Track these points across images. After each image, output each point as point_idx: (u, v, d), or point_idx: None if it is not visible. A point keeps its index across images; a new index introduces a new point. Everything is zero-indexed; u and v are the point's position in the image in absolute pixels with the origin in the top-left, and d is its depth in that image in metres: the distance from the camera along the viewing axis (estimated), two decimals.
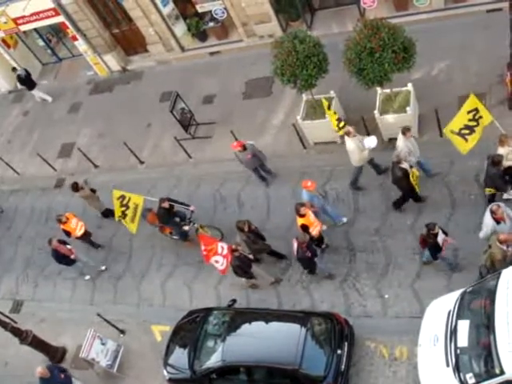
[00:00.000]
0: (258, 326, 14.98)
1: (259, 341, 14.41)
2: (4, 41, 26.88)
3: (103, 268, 19.39)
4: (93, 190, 19.73)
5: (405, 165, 15.09)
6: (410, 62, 16.00)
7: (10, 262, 21.47)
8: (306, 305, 15.96)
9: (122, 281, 19.04)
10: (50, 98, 26.76)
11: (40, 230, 21.82)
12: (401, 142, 15.58)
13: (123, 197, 17.43)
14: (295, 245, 14.86)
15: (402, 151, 15.33)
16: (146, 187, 20.87)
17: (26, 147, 25.37)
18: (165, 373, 15.61)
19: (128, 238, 19.83)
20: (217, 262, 15.48)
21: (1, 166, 24.31)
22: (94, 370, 16.73)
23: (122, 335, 17.64)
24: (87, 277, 19.40)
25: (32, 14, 24.18)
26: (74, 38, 25.24)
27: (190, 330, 15.69)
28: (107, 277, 19.33)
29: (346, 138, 16.24)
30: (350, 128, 16.14)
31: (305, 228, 15.28)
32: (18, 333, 17.24)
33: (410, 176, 15.17)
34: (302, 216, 15.24)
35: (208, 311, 15.85)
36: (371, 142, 16.07)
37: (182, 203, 17.75)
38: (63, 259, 18.19)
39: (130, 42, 25.68)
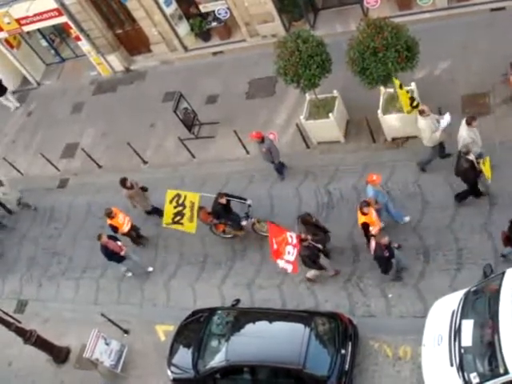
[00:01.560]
0: (261, 326, 14.98)
1: (263, 341, 14.41)
2: (7, 41, 26.90)
3: (150, 269, 18.76)
4: (143, 189, 18.99)
5: (471, 156, 14.48)
6: (414, 61, 15.99)
7: (13, 262, 21.49)
8: (309, 304, 15.95)
9: (126, 281, 19.04)
10: (13, 106, 27.39)
11: (44, 230, 21.87)
12: (464, 131, 14.94)
13: (178, 196, 16.93)
14: (373, 243, 14.37)
15: (465, 141, 14.78)
16: (150, 187, 20.87)
17: (29, 147, 25.41)
18: (169, 373, 15.62)
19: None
20: (288, 252, 14.87)
21: (5, 166, 24.33)
22: (98, 370, 16.75)
23: (125, 335, 17.65)
24: (129, 273, 18.84)
25: (35, 15, 24.24)
26: (78, 39, 25.27)
27: (194, 330, 15.70)
28: (111, 277, 19.33)
29: (419, 117, 15.60)
30: (424, 107, 15.58)
31: (366, 227, 14.80)
32: (22, 333, 17.26)
33: (481, 165, 14.48)
34: (365, 214, 14.66)
35: (212, 311, 15.86)
36: (446, 121, 15.51)
37: (238, 197, 17.33)
38: (112, 256, 17.54)
39: (133, 42, 25.70)
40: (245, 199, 17.27)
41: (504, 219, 13.91)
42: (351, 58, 15.94)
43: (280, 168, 18.60)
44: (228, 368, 14.51)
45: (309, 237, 14.87)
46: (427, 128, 15.60)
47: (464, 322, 12.62)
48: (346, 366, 13.89)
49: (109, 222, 18.11)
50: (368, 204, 14.65)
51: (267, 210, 18.25)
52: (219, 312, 15.75)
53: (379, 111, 17.29)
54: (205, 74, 23.39)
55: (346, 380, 13.86)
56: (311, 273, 15.98)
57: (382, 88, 17.21)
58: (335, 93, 18.34)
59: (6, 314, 18.57)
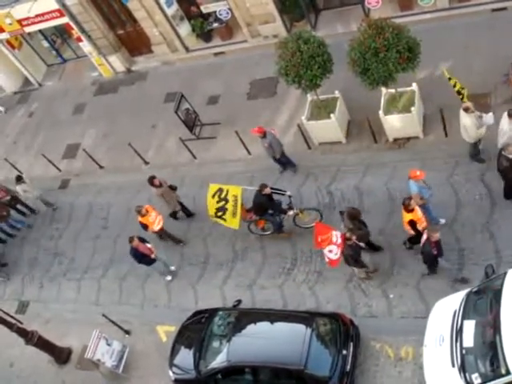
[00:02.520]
0: (263, 327, 14.98)
1: (265, 341, 14.40)
2: (9, 42, 26.92)
3: (173, 268, 18.38)
4: (172, 188, 18.44)
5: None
6: (415, 61, 15.98)
7: (15, 263, 21.49)
8: (311, 305, 15.95)
9: (127, 281, 19.05)
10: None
11: (45, 230, 21.87)
12: (506, 125, 14.63)
13: (221, 190, 16.63)
14: (425, 236, 13.79)
15: (506, 135, 14.51)
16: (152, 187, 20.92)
17: (30, 148, 25.42)
18: (170, 373, 15.62)
19: None
20: (330, 251, 14.75)
21: (6, 166, 24.35)
22: (100, 371, 16.75)
23: (127, 336, 17.65)
24: (169, 277, 18.29)
25: (37, 16, 24.25)
26: (79, 39, 25.29)
27: (196, 331, 15.69)
28: (112, 277, 19.34)
29: (462, 113, 15.29)
30: (468, 104, 15.35)
31: (413, 224, 14.35)
32: (23, 333, 17.27)
33: None
34: (411, 211, 14.15)
35: (213, 312, 15.86)
36: (490, 119, 15.29)
37: (277, 189, 16.93)
38: (143, 258, 17.15)
39: (134, 42, 25.72)
40: (284, 191, 16.88)
41: (505, 219, 13.90)
42: (352, 59, 15.93)
43: (286, 161, 18.60)
44: (229, 368, 14.50)
45: (353, 237, 14.52)
46: (472, 125, 15.25)
47: (465, 322, 12.62)
48: (348, 367, 13.88)
49: (139, 219, 17.64)
50: (410, 198, 14.15)
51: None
52: (220, 313, 15.74)
53: (381, 112, 17.29)
54: (206, 75, 23.40)
55: (348, 381, 13.85)
56: (358, 271, 15.60)
57: (383, 88, 17.21)
58: (337, 93, 18.34)
59: (8, 314, 18.56)
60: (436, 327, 13.31)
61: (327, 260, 15.11)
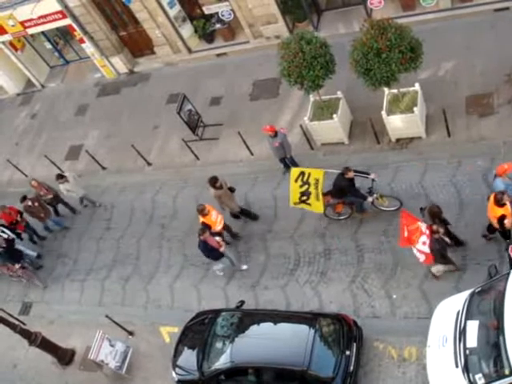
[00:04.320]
0: (266, 328, 14.97)
1: (268, 342, 14.39)
2: (12, 44, 26.99)
3: (245, 267, 17.62)
4: (231, 189, 17.72)
5: None
6: (417, 62, 15.97)
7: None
8: (314, 306, 15.95)
9: (130, 282, 19.06)
10: None
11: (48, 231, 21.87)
12: None
13: (303, 173, 16.02)
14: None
15: None
16: (154, 189, 20.95)
17: (33, 149, 25.47)
18: (173, 374, 15.63)
19: (136, 239, 19.91)
20: (424, 243, 13.87)
21: (9, 168, 24.38)
22: (103, 372, 16.76)
23: (130, 337, 17.66)
24: (221, 273, 17.57)
25: (39, 17, 24.30)
26: (82, 41, 25.32)
27: (199, 332, 15.70)
28: (115, 278, 19.36)
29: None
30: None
31: (502, 219, 13.58)
32: (27, 335, 17.28)
33: None
34: (502, 206, 13.42)
35: (216, 312, 15.86)
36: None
37: (361, 172, 16.19)
38: (211, 252, 16.51)
39: (136, 44, 25.74)
40: (368, 173, 16.16)
41: None
42: (355, 59, 15.92)
43: (293, 162, 18.59)
44: (233, 369, 14.51)
45: (441, 229, 13.82)
46: None
47: (469, 322, 12.60)
48: (351, 368, 13.87)
49: (201, 219, 16.80)
50: (503, 192, 13.49)
51: (271, 212, 18.24)
52: (224, 313, 15.73)
53: (383, 112, 17.28)
54: (208, 76, 23.42)
55: (351, 381, 13.84)
56: (437, 268, 14.80)
57: (385, 89, 17.20)
58: (339, 94, 18.34)
59: (11, 315, 18.59)
60: (439, 328, 13.29)
61: (421, 257, 14.14)
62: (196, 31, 24.39)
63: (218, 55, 24.28)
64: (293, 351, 13.93)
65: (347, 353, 13.92)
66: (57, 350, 17.85)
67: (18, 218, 20.49)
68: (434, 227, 13.71)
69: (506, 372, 11.59)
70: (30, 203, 20.28)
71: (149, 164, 21.89)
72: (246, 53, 23.42)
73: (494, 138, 16.51)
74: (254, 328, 15.01)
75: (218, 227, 16.96)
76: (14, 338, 17.60)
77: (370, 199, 16.15)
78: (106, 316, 17.28)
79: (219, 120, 21.53)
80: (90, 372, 17.27)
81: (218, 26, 23.78)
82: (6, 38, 26.19)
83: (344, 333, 14.15)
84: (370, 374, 14.34)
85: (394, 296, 15.29)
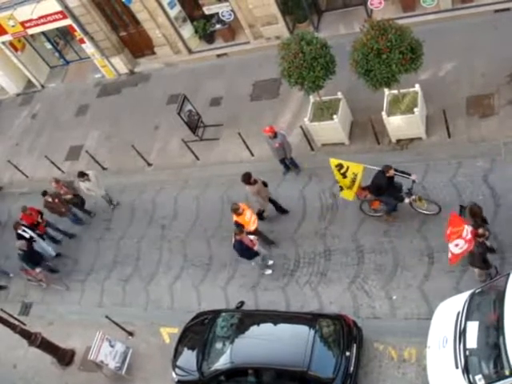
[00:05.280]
0: (266, 328, 14.96)
1: (268, 343, 14.37)
2: (12, 44, 27.03)
3: (271, 262, 17.24)
4: (265, 184, 17.37)
5: None
6: (418, 62, 15.96)
7: (18, 265, 21.47)
8: (314, 306, 15.94)
9: (130, 283, 19.06)
10: None
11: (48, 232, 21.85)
12: None
13: (340, 166, 15.74)
14: None
15: None
16: (155, 190, 20.95)
17: (34, 150, 25.50)
18: (173, 375, 15.63)
19: (136, 240, 19.90)
20: (456, 245, 13.61)
21: (9, 168, 24.38)
22: (103, 372, 16.76)
23: (130, 337, 17.66)
24: (269, 271, 17.17)
25: (40, 18, 24.32)
26: (82, 41, 25.34)
27: (199, 332, 15.69)
28: (116, 279, 19.35)
29: None
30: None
31: None
32: (26, 335, 17.29)
33: None
34: None
35: (216, 313, 15.85)
36: None
37: (402, 171, 15.76)
38: (246, 252, 16.16)
39: (137, 44, 25.76)
40: (409, 174, 15.73)
41: (508, 220, 13.85)
42: (355, 60, 15.91)
43: (293, 163, 18.58)
44: (232, 370, 14.51)
45: (487, 232, 13.52)
46: None
47: (469, 323, 12.59)
48: (351, 368, 13.85)
49: (235, 218, 16.44)
50: None
51: (272, 212, 18.21)
52: (223, 314, 15.72)
53: (383, 113, 17.27)
54: (209, 76, 23.43)
55: (351, 382, 13.83)
56: (478, 273, 14.38)
57: (386, 90, 17.19)
58: (339, 95, 18.33)
59: (11, 316, 18.59)
60: (439, 328, 13.29)
61: (449, 256, 13.98)
62: (196, 32, 24.40)
63: (219, 56, 24.29)
64: (293, 352, 13.92)
65: (347, 353, 13.91)
66: (57, 351, 17.85)
67: (39, 219, 20.26)
68: (480, 231, 13.39)
69: (506, 373, 11.57)
70: (50, 199, 20.07)
71: (149, 164, 21.89)
72: (247, 53, 23.43)
73: (495, 139, 16.50)
74: (253, 329, 15.00)
75: (252, 227, 16.61)
76: (13, 339, 17.59)
77: (407, 200, 15.81)
78: (106, 316, 17.29)
79: (219, 120, 21.53)
80: (89, 372, 17.27)
81: (218, 26, 23.79)
82: (6, 38, 26.23)
83: (344, 333, 14.13)
84: (369, 375, 14.33)
85: (394, 297, 15.29)
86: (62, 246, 21.17)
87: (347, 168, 15.68)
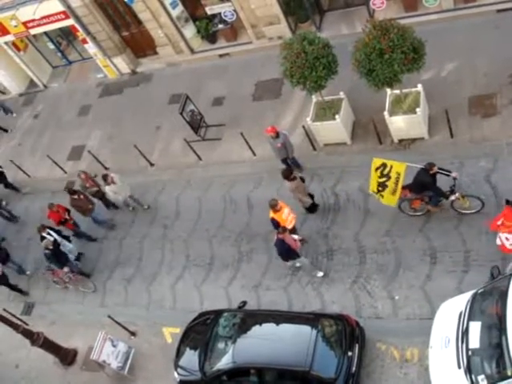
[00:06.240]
0: (268, 328, 14.96)
1: (270, 343, 14.37)
2: (14, 44, 27.06)
3: (320, 274, 16.55)
4: (302, 179, 16.97)
5: None
6: (420, 62, 15.95)
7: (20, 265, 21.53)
8: (316, 306, 15.94)
9: (133, 283, 19.07)
10: None
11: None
12: None
13: (384, 165, 15.34)
14: None
15: None
16: (156, 190, 20.96)
17: (36, 150, 25.52)
18: (175, 375, 15.63)
19: (138, 240, 19.91)
20: (507, 239, 13.58)
21: (12, 168, 24.41)
22: (105, 372, 16.78)
23: (132, 337, 17.66)
24: (320, 273, 16.50)
25: (42, 18, 24.34)
26: (84, 41, 25.36)
27: (201, 332, 15.69)
28: (118, 279, 19.36)
29: None
30: None
31: None
32: (29, 335, 17.31)
33: None
34: None
35: (218, 313, 15.85)
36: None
37: (443, 169, 15.55)
38: (288, 252, 15.62)
39: (139, 44, 25.77)
40: (450, 171, 15.53)
41: None
42: (357, 60, 15.90)
43: (295, 163, 18.58)
44: (234, 370, 14.51)
45: None
46: None
47: (471, 323, 12.58)
48: (353, 368, 13.85)
49: (271, 215, 15.96)
50: None
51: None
52: (226, 314, 15.72)
53: (386, 113, 17.27)
54: (211, 76, 23.43)
55: (353, 382, 13.83)
56: None
57: (388, 89, 17.19)
58: (341, 94, 18.33)
59: (14, 316, 18.62)
60: (442, 329, 13.28)
61: (499, 243, 13.87)
62: (199, 32, 24.41)
63: (221, 56, 24.30)
64: (295, 352, 13.91)
65: (349, 353, 13.90)
66: (59, 350, 17.87)
67: (66, 216, 19.90)
68: None
69: (509, 373, 11.56)
70: (75, 196, 19.67)
71: (151, 164, 21.89)
72: (249, 53, 23.43)
73: (497, 139, 16.48)
74: (256, 328, 15.00)
75: (289, 226, 16.09)
76: (16, 338, 17.61)
77: (452, 197, 15.57)
78: (109, 316, 17.30)
79: (222, 120, 21.53)
80: (92, 372, 17.28)
81: (220, 26, 23.81)
82: (9, 38, 26.25)
83: (346, 333, 14.12)
84: (372, 375, 14.33)
85: (397, 297, 15.28)
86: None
87: (391, 167, 15.36)
